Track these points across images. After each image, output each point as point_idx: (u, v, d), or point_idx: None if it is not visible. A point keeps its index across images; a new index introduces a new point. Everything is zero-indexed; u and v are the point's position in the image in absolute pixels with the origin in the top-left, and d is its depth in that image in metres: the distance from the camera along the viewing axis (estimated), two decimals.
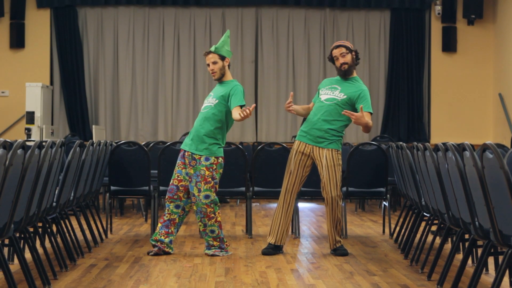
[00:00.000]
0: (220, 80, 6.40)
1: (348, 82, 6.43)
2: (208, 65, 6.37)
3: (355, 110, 6.30)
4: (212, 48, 6.37)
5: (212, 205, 6.27)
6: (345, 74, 6.41)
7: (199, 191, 6.24)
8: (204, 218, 6.29)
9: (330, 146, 6.33)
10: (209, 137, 6.27)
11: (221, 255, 6.30)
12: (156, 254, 6.29)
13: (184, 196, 6.35)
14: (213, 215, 6.30)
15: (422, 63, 14.53)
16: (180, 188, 6.33)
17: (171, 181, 6.38)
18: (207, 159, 6.26)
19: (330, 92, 6.40)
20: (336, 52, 6.43)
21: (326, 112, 6.35)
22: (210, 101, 6.35)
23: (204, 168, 6.24)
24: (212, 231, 6.32)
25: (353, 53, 6.42)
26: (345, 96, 6.34)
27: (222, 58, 6.36)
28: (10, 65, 14.24)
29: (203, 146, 6.26)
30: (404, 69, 14.49)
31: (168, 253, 6.34)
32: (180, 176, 6.32)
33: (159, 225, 6.37)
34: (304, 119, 6.64)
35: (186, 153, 6.31)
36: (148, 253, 6.34)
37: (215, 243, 6.34)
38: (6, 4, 14.15)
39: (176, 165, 6.39)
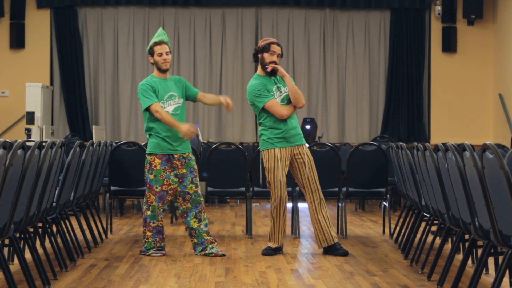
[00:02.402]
0: (166, 73, 6.36)
1: (277, 77, 6.45)
2: (161, 54, 6.29)
3: None
4: (166, 39, 6.37)
5: (201, 196, 6.43)
6: (271, 73, 6.39)
7: (196, 185, 6.36)
8: (200, 212, 6.35)
9: (304, 141, 6.46)
10: None
11: (220, 251, 6.32)
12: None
13: (170, 199, 6.40)
14: (203, 206, 6.46)
15: (422, 63, 14.53)
16: (169, 192, 6.32)
17: (158, 188, 6.25)
18: (193, 154, 6.48)
19: (279, 93, 6.41)
20: (277, 49, 6.39)
21: None
22: (177, 101, 6.33)
23: (194, 163, 6.40)
24: (206, 225, 6.39)
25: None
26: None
27: (170, 52, 6.42)
28: (10, 65, 14.24)
29: (187, 143, 6.38)
30: (404, 69, 14.49)
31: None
32: (169, 181, 6.29)
33: (149, 234, 6.30)
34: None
35: (175, 156, 6.28)
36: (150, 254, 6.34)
37: (208, 237, 6.37)
38: (6, 4, 14.14)
39: (161, 170, 6.25)
